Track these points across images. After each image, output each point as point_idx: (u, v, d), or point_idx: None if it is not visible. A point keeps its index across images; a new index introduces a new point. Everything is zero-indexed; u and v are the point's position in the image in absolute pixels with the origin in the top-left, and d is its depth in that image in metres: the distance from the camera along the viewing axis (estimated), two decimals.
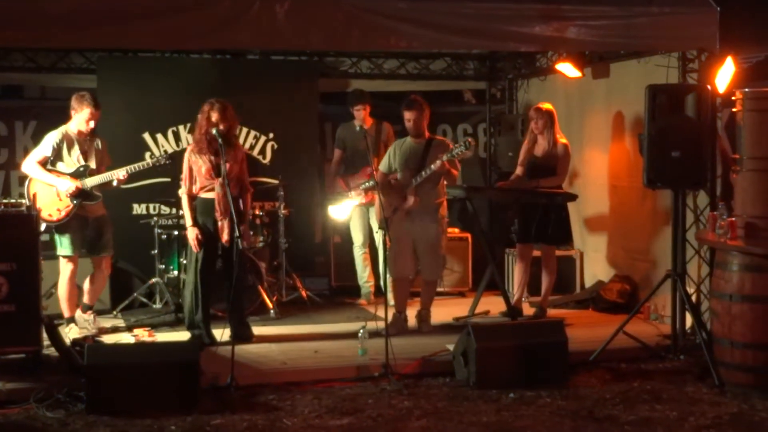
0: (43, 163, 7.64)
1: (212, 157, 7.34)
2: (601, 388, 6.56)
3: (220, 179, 7.26)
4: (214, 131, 7.22)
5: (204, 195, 7.42)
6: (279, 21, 6.68)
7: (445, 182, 7.96)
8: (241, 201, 7.49)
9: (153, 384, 6.04)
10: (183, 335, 7.63)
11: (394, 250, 7.74)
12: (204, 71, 9.54)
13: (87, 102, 7.62)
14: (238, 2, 6.65)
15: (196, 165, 7.42)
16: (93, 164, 7.73)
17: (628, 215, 8.96)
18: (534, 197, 8.27)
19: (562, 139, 8.41)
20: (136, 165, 7.79)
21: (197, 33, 6.73)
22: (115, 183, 7.71)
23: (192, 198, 7.46)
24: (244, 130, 9.53)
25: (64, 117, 7.80)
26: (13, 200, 7.06)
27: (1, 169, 9.53)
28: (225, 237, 7.30)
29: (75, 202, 7.62)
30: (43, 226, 7.34)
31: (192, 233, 7.39)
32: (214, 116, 7.30)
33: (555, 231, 8.34)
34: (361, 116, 9.19)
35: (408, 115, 7.89)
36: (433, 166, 7.65)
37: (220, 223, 7.31)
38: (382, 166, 8.08)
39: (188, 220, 7.45)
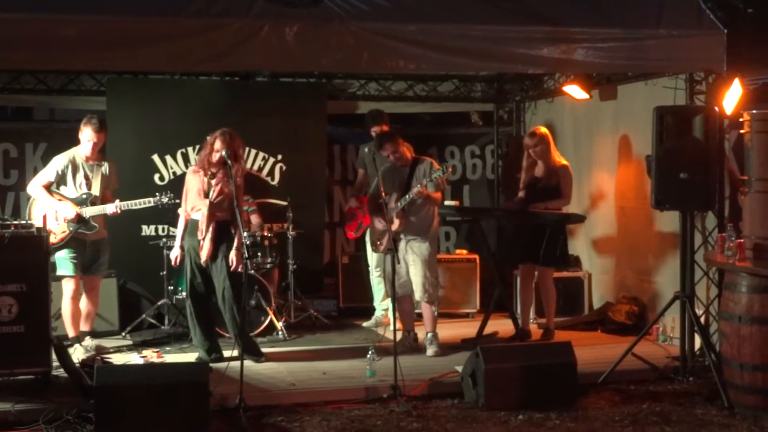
0: (47, 187, 7.69)
1: (204, 179, 7.43)
2: (610, 410, 6.54)
3: (207, 200, 7.38)
4: (223, 152, 7.24)
5: (194, 215, 7.52)
6: (289, 43, 6.72)
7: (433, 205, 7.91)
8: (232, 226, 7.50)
9: (162, 405, 6.02)
10: (191, 356, 7.66)
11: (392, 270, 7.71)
12: (213, 93, 9.56)
13: (89, 124, 7.68)
14: (247, 25, 6.68)
15: (190, 185, 7.53)
16: (97, 191, 7.77)
17: (635, 237, 8.96)
18: (541, 219, 8.26)
19: (562, 161, 8.41)
20: (135, 201, 7.86)
21: (208, 56, 6.76)
22: (109, 213, 7.76)
23: (187, 218, 7.60)
24: (253, 151, 9.55)
25: (73, 139, 7.84)
26: (23, 221, 7.06)
27: (11, 190, 9.57)
28: (204, 257, 7.41)
29: (71, 228, 7.66)
30: None
31: (173, 252, 7.72)
32: (218, 144, 7.35)
33: (546, 251, 8.23)
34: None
35: (386, 151, 7.87)
36: (414, 191, 7.64)
37: (201, 243, 7.40)
38: (373, 188, 8.04)
39: (177, 239, 7.69)
